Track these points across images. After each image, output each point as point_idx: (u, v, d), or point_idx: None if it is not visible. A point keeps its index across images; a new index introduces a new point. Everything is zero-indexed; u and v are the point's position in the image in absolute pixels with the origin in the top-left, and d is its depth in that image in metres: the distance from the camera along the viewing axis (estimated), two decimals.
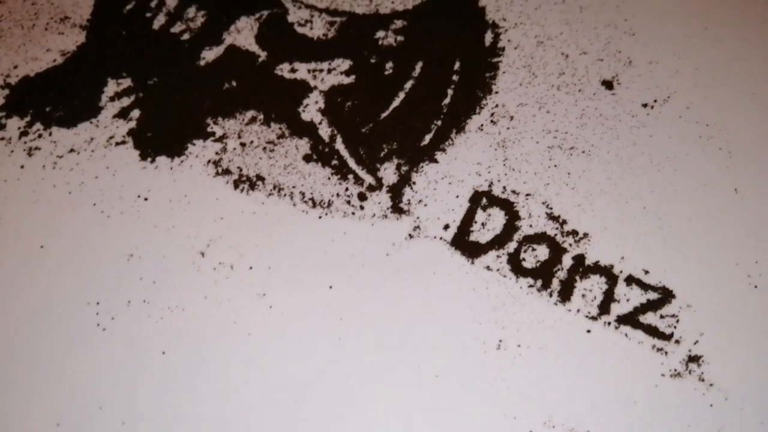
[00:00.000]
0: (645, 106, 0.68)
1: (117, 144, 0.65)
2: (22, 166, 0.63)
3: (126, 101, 0.68)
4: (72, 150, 0.64)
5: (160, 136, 0.66)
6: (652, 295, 0.58)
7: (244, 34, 0.73)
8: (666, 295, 0.58)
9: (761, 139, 0.67)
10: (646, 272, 0.59)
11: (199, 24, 0.73)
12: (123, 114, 0.67)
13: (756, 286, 0.58)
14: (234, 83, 0.69)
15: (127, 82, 0.69)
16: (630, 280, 0.58)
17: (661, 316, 0.57)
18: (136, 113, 0.67)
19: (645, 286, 0.58)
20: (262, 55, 0.71)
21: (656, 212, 0.62)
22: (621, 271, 0.59)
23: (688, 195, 0.63)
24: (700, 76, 0.70)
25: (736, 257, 0.60)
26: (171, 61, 0.71)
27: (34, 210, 0.61)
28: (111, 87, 0.69)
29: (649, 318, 0.57)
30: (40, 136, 0.65)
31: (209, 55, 0.71)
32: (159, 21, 0.74)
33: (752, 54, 0.73)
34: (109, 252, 0.58)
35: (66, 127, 0.66)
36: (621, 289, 0.58)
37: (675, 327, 0.56)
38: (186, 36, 0.73)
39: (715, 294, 0.58)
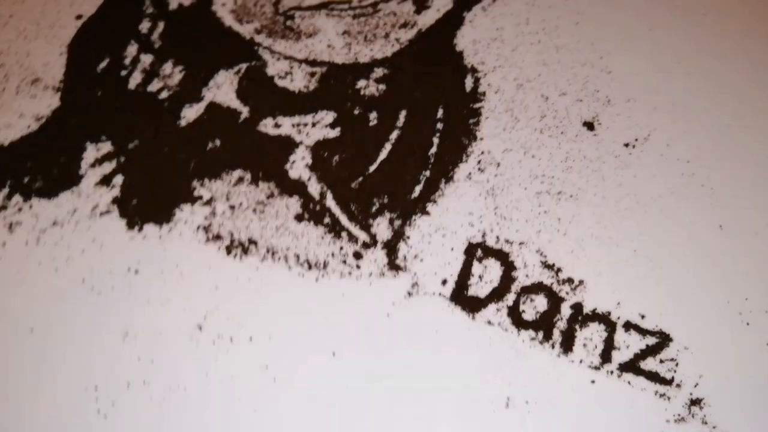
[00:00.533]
0: (627, 145, 0.69)
1: (101, 214, 0.63)
2: (3, 244, 0.61)
3: (107, 167, 0.66)
4: (55, 223, 0.63)
5: (146, 203, 0.64)
6: (651, 340, 0.59)
7: (224, 89, 0.72)
8: (664, 339, 0.59)
9: (740, 172, 0.69)
10: (643, 317, 0.60)
11: (176, 81, 0.72)
12: (105, 181, 0.65)
13: (748, 323, 0.60)
14: (218, 142, 0.68)
15: (107, 147, 0.68)
16: (628, 325, 0.59)
17: (661, 361, 0.58)
18: (119, 179, 0.66)
19: (643, 331, 0.59)
20: (244, 111, 0.70)
21: (646, 254, 0.63)
22: (618, 317, 0.60)
23: (675, 235, 0.64)
24: (678, 111, 0.72)
25: (727, 295, 0.61)
26: (151, 121, 0.69)
27: (21, 291, 0.58)
28: (91, 152, 0.67)
29: (649, 364, 0.58)
30: (20, 209, 0.63)
31: (190, 113, 0.70)
32: (135, 79, 0.72)
33: (724, 86, 0.74)
34: (103, 332, 0.56)
35: (47, 198, 0.64)
36: (620, 335, 0.59)
37: (675, 371, 0.57)
38: (164, 94, 0.71)
39: (710, 334, 0.59)
